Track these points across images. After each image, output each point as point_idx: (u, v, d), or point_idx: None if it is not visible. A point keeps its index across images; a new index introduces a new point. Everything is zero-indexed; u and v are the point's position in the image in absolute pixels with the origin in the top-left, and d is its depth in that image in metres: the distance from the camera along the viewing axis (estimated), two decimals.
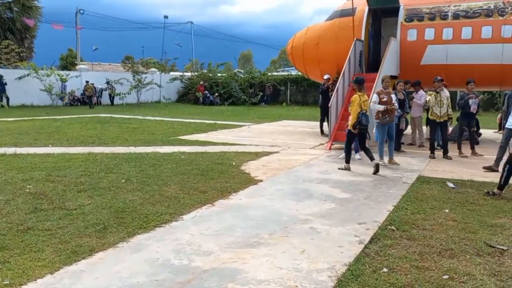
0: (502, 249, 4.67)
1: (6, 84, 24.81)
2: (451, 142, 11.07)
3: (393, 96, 9.68)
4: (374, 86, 11.55)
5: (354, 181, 7.98)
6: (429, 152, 10.62)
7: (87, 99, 27.80)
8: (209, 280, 3.90)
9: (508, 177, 6.89)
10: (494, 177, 7.68)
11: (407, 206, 6.27)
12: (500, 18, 12.70)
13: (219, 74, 35.06)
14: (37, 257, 4.29)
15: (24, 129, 14.64)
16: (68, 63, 46.93)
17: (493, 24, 12.78)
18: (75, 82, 28.60)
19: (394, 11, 14.15)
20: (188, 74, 36.97)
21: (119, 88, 29.27)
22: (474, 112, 10.99)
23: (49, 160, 9.12)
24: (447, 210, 6.08)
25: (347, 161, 9.06)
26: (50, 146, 11.15)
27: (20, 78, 25.75)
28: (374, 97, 9.58)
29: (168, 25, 54.44)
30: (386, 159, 9.65)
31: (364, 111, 8.90)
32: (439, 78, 10.43)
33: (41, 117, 19.10)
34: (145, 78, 30.25)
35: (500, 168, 7.45)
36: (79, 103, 28.81)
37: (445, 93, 10.41)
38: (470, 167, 9.34)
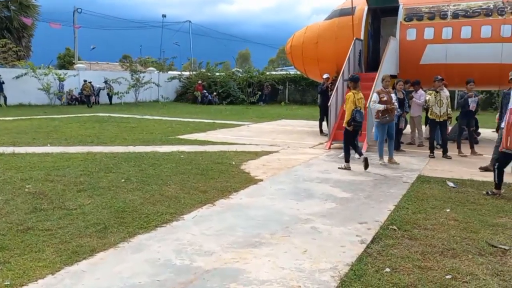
0: (504, 249, 4.66)
1: (3, 83, 24.73)
2: (450, 141, 11.08)
3: (393, 95, 9.66)
4: (373, 85, 11.55)
5: (354, 180, 7.97)
6: (429, 151, 10.62)
7: (85, 98, 27.72)
8: (211, 281, 3.88)
9: (500, 174, 6.94)
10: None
11: (408, 206, 6.26)
12: (500, 17, 12.72)
13: (217, 73, 35.04)
14: (38, 257, 4.26)
15: (22, 128, 14.58)
16: (65, 62, 46.84)
17: (493, 24, 12.79)
18: (73, 81, 28.53)
19: (393, 11, 14.16)
20: (186, 73, 36.91)
21: (117, 87, 29.22)
22: (473, 110, 10.98)
23: (48, 160, 9.08)
24: (448, 210, 6.07)
25: (347, 160, 9.04)
26: (48, 145, 11.11)
27: (17, 77, 25.67)
28: (374, 97, 9.56)
29: (166, 24, 54.30)
30: (386, 158, 9.63)
31: (359, 108, 8.91)
32: (439, 77, 10.43)
33: (39, 116, 19.04)
34: (143, 77, 30.19)
35: None
36: (77, 102, 28.73)
37: (445, 92, 10.41)
38: (469, 167, 9.33)
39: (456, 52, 13.15)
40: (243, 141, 12.52)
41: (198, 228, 5.24)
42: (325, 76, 14.51)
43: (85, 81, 28.03)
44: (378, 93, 9.52)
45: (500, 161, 7.02)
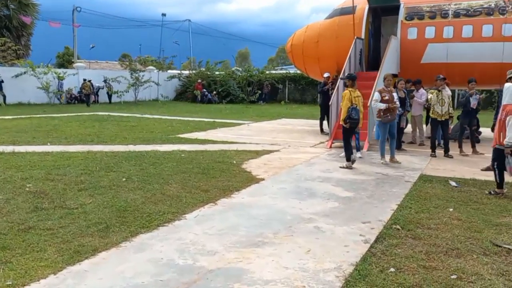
0: (509, 249, 4.63)
1: (3, 82, 24.65)
2: (451, 140, 11.05)
3: (394, 94, 9.63)
4: (374, 84, 11.53)
5: (356, 179, 7.94)
6: (430, 150, 10.59)
7: (85, 97, 27.65)
8: (215, 280, 3.85)
9: (501, 173, 6.93)
10: None
11: (411, 205, 6.23)
12: (501, 16, 12.69)
13: (217, 72, 34.97)
14: (40, 257, 4.23)
15: (21, 127, 14.53)
16: (64, 61, 46.77)
17: (494, 23, 12.76)
18: (72, 80, 28.45)
19: (394, 9, 14.13)
20: (186, 72, 36.85)
21: (117, 86, 29.15)
22: (474, 108, 10.95)
23: (48, 159, 9.04)
24: (451, 209, 6.04)
25: (348, 158, 9.02)
26: (48, 144, 11.06)
27: (17, 76, 25.59)
28: (376, 95, 9.53)
29: (166, 23, 54.16)
30: (387, 157, 9.60)
31: (355, 106, 8.93)
32: (441, 76, 10.40)
33: (38, 115, 18.98)
34: (143, 76, 30.12)
35: None
36: (76, 101, 28.66)
37: (447, 91, 10.38)
38: (471, 166, 9.31)
39: (457, 51, 13.12)
40: (243, 140, 12.48)
41: (200, 228, 5.21)
42: (325, 75, 14.47)
43: (84, 80, 27.97)
44: (380, 92, 9.49)
45: (495, 158, 7.02)
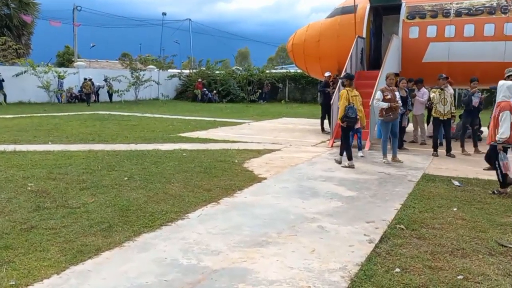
0: None
1: (3, 81, 24.60)
2: (453, 139, 11.02)
3: (397, 93, 9.61)
4: (376, 83, 11.50)
5: (358, 179, 7.91)
6: (432, 149, 10.57)
7: (85, 96, 27.60)
8: (220, 281, 3.82)
9: (502, 172, 6.89)
10: None
11: (414, 205, 6.20)
12: (503, 15, 12.66)
13: (217, 72, 34.92)
14: (42, 257, 4.20)
15: (22, 126, 14.49)
16: (64, 60, 46.70)
17: (496, 22, 12.74)
18: (73, 79, 28.39)
19: (395, 8, 14.10)
20: (186, 71, 36.80)
21: (117, 85, 29.09)
22: (476, 106, 10.91)
23: (49, 158, 9.01)
24: (455, 209, 6.02)
25: (349, 157, 8.99)
26: (49, 143, 11.03)
27: (17, 75, 25.54)
28: (378, 94, 9.50)
29: (166, 22, 54.10)
30: (389, 156, 9.57)
31: (352, 105, 8.99)
32: (444, 75, 10.38)
33: (39, 114, 18.94)
34: (143, 75, 30.07)
35: None
36: (76, 100, 28.62)
37: (449, 90, 10.36)
38: (474, 165, 9.27)
39: (459, 50, 13.09)
40: (244, 139, 12.45)
41: (203, 227, 5.18)
42: (326, 74, 14.43)
43: (85, 79, 27.91)
44: (382, 91, 9.46)
45: (494, 156, 7.02)
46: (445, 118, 10.28)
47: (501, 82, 7.09)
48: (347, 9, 14.51)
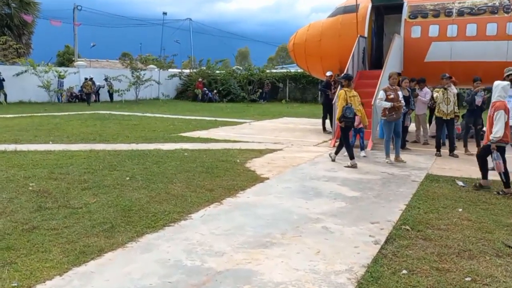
0: None
1: (4, 80, 24.55)
2: (456, 139, 10.96)
3: (399, 93, 9.55)
4: (378, 83, 11.45)
5: (362, 179, 7.86)
6: (435, 149, 10.51)
7: (86, 96, 27.53)
8: (224, 282, 3.77)
9: (506, 173, 6.88)
10: None
11: (419, 205, 6.15)
12: (505, 15, 12.60)
13: (217, 71, 34.86)
14: (45, 258, 4.15)
15: (23, 125, 14.44)
16: (65, 60, 46.60)
17: (498, 21, 12.68)
18: (73, 78, 28.33)
19: (397, 8, 14.05)
20: (187, 71, 36.74)
21: (118, 85, 29.02)
22: (479, 105, 10.85)
23: (50, 157, 8.96)
24: (460, 209, 5.96)
25: (351, 157, 8.94)
26: (50, 143, 10.98)
27: (18, 74, 25.48)
28: (381, 94, 9.45)
29: (166, 22, 53.99)
30: (392, 156, 9.52)
31: (350, 105, 9.02)
32: (447, 75, 10.32)
33: (39, 114, 18.89)
34: (144, 75, 30.02)
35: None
36: (77, 100, 28.56)
37: (453, 90, 10.31)
38: (477, 165, 9.15)
39: (461, 49, 13.03)
40: (246, 139, 12.39)
41: (206, 228, 5.13)
42: (328, 73, 14.38)
43: (86, 78, 27.84)
44: (385, 90, 9.41)
45: (483, 155, 7.05)
46: (448, 118, 10.23)
47: (496, 83, 7.15)
48: (348, 9, 14.46)
